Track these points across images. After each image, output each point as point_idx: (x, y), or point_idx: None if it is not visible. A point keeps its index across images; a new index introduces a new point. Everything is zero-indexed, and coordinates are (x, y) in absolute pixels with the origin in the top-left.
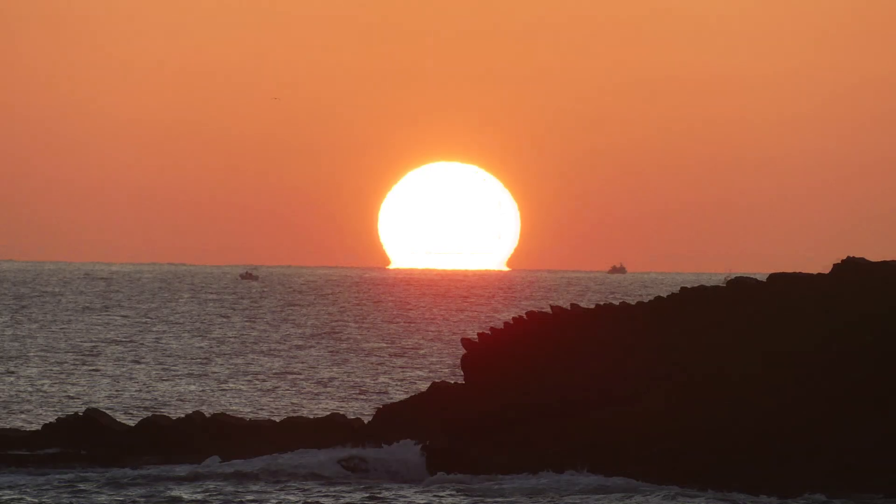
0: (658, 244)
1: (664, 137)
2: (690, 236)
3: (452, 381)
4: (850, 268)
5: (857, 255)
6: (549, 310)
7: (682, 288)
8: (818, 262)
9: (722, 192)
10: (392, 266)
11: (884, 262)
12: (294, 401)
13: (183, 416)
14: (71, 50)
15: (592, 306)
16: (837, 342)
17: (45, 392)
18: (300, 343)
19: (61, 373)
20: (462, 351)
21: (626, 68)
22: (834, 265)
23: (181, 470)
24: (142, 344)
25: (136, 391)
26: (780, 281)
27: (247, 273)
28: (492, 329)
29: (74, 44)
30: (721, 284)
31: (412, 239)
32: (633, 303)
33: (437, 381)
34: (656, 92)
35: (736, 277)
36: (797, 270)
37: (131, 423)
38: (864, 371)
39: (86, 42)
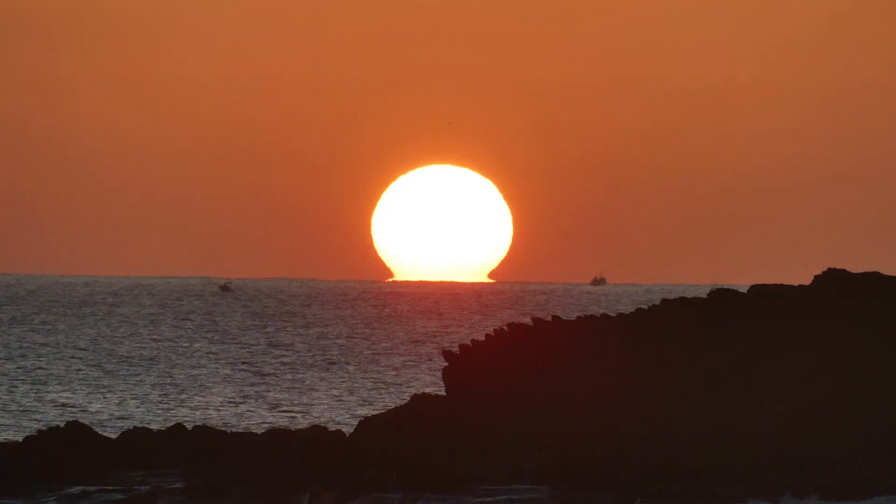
0: (639, 255)
1: (647, 148)
2: (672, 248)
3: (434, 393)
4: (832, 279)
5: (839, 266)
6: (529, 321)
7: (663, 300)
8: (800, 274)
9: (705, 203)
10: (393, 279)
11: (865, 274)
12: (269, 413)
13: (164, 428)
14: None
15: (574, 318)
16: (824, 352)
17: (21, 404)
18: (282, 355)
19: (35, 386)
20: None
21: (614, 78)
22: (815, 277)
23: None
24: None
25: (110, 404)
26: (761, 292)
27: (224, 286)
28: (473, 341)
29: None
30: (703, 296)
31: (409, 248)
32: (613, 314)
33: (417, 392)
34: (642, 101)
35: (717, 289)
36: (779, 282)
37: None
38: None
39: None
